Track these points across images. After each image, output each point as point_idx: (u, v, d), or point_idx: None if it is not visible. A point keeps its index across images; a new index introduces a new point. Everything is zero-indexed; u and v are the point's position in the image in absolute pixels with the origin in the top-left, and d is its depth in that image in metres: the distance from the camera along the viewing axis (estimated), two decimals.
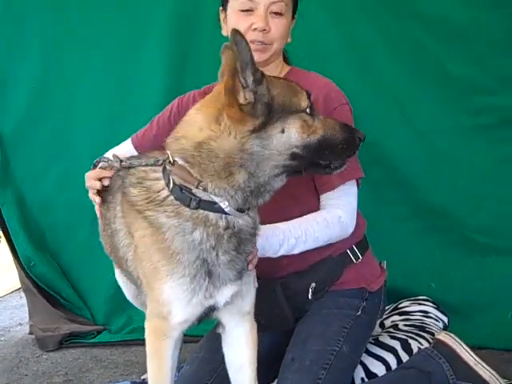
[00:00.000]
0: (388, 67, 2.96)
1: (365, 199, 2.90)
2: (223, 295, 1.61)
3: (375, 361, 2.12)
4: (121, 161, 1.69)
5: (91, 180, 1.82)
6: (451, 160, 2.97)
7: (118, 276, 2.14)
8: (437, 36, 2.90)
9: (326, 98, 1.93)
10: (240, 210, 1.52)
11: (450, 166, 2.97)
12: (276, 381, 1.95)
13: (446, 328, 2.42)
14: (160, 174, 1.57)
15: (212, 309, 1.65)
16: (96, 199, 1.81)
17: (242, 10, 1.92)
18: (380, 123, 2.98)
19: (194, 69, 2.96)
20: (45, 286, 3.17)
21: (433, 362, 2.00)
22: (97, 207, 1.85)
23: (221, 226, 1.51)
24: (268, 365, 2.04)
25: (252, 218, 1.58)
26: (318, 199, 1.98)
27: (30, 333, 3.12)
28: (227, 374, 1.78)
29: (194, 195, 1.49)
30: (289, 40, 2.03)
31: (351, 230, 1.95)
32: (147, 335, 1.66)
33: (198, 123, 1.49)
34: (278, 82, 1.52)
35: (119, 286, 2.20)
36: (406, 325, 2.38)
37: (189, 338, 2.24)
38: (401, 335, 2.25)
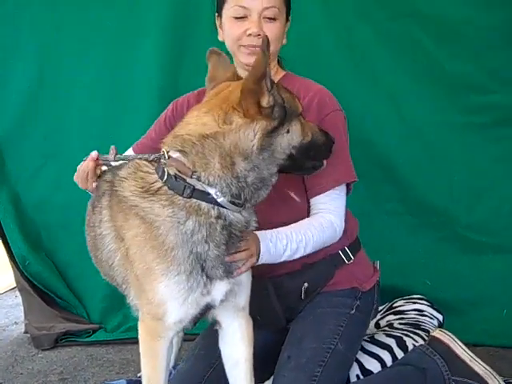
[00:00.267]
0: (384, 65, 2.97)
1: (360, 196, 2.92)
2: (219, 291, 1.62)
3: (370, 358, 2.12)
4: (116, 153, 1.74)
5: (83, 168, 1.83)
6: (446, 158, 2.98)
7: None
8: (432, 34, 2.90)
9: (320, 103, 1.95)
10: (234, 204, 1.56)
11: (444, 164, 2.98)
12: (272, 379, 1.95)
13: (440, 326, 2.43)
14: (152, 169, 1.62)
15: (208, 307, 1.66)
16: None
17: (236, 17, 1.95)
18: (376, 121, 3.00)
19: (188, 70, 2.96)
20: (40, 284, 3.17)
21: (428, 358, 2.01)
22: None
23: (213, 215, 1.55)
24: (263, 363, 2.03)
25: (245, 217, 1.61)
26: (307, 202, 1.98)
27: (26, 331, 3.12)
28: (223, 369, 1.80)
29: (188, 184, 1.54)
30: (284, 42, 2.05)
31: (341, 234, 1.96)
32: (141, 336, 1.66)
33: (206, 123, 1.55)
34: (281, 87, 1.62)
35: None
36: (401, 323, 2.39)
37: (186, 336, 2.26)
38: (396, 333, 2.26)
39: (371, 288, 2.08)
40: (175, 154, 1.57)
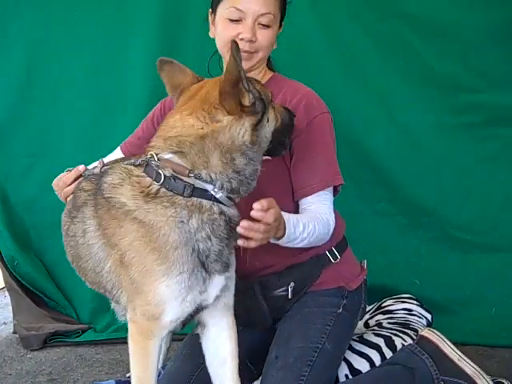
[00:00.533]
0: (373, 66, 2.98)
1: (350, 197, 2.96)
2: (214, 288, 1.65)
3: (359, 357, 2.12)
4: (103, 166, 1.76)
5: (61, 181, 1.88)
6: (435, 157, 2.99)
7: None
8: (422, 35, 2.92)
9: (307, 106, 1.94)
10: (229, 199, 1.62)
11: (434, 164, 3.00)
12: (260, 379, 1.95)
13: (429, 325, 2.44)
14: (142, 173, 1.62)
15: (200, 307, 1.68)
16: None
17: (231, 20, 1.93)
18: (365, 121, 3.01)
19: None
20: (29, 285, 3.15)
21: (416, 358, 2.01)
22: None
23: (216, 211, 1.59)
24: (251, 363, 2.05)
25: (237, 212, 1.65)
26: (294, 203, 1.98)
27: (14, 332, 3.10)
28: None
29: (187, 183, 1.57)
30: (274, 46, 2.04)
31: (331, 234, 1.97)
32: (132, 336, 1.65)
33: (194, 124, 1.59)
34: (252, 79, 1.67)
35: None
36: (389, 323, 2.40)
37: (175, 336, 2.25)
38: (385, 332, 2.26)
39: (358, 287, 2.08)
40: (167, 155, 1.59)
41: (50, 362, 2.78)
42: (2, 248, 3.18)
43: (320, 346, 1.90)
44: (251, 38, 1.91)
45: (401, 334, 2.25)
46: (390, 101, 3.00)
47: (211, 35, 2.06)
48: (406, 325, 2.36)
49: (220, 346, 1.77)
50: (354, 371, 2.08)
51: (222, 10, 1.95)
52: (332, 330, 1.95)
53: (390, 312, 2.50)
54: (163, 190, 1.58)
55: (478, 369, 2.02)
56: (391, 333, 2.26)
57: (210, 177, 1.58)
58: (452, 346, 2.05)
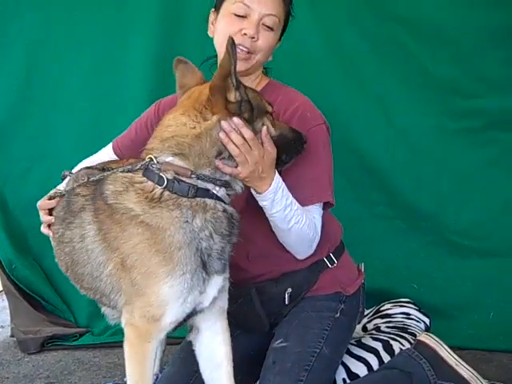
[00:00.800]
0: (372, 70, 2.99)
1: (348, 201, 2.97)
2: (212, 289, 1.67)
3: (357, 362, 2.12)
4: (88, 178, 1.76)
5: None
6: (434, 162, 3.00)
7: None
8: (420, 39, 2.93)
9: (301, 117, 1.92)
10: (228, 196, 1.67)
11: (432, 168, 3.01)
12: None
13: (427, 329, 2.44)
14: (143, 178, 1.64)
15: (195, 311, 1.68)
16: (45, 230, 1.87)
17: (236, 15, 1.91)
18: (363, 125, 3.02)
19: None
20: (27, 288, 3.15)
21: (414, 362, 2.01)
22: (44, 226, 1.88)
23: (220, 208, 1.64)
24: (248, 368, 2.04)
25: (234, 209, 1.69)
26: None
27: (12, 335, 3.10)
28: None
29: (191, 184, 1.60)
30: (270, 58, 2.02)
31: (315, 246, 1.93)
32: (129, 339, 1.65)
33: (186, 123, 1.63)
34: (247, 87, 1.70)
35: None
36: (387, 327, 2.40)
37: (173, 340, 2.25)
38: (382, 337, 2.26)
39: (356, 291, 2.07)
40: (168, 158, 1.62)
41: (47, 366, 2.77)
42: (0, 251, 3.17)
43: (317, 351, 1.90)
44: (254, 34, 1.90)
45: (399, 339, 2.25)
46: (389, 105, 3.01)
47: (210, 34, 2.04)
48: (404, 329, 2.35)
49: (215, 349, 1.78)
50: (351, 375, 2.08)
51: (227, 5, 1.94)
52: (330, 334, 1.95)
53: (389, 316, 2.50)
54: (167, 193, 1.61)
55: (475, 373, 2.02)
56: (389, 337, 2.26)
57: (211, 176, 1.62)
58: (449, 350, 2.05)
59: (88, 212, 1.70)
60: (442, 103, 2.95)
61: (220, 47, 1.96)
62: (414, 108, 2.99)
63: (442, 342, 2.06)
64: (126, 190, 1.64)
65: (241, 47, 1.89)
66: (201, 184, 1.62)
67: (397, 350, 2.16)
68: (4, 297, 3.38)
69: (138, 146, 1.78)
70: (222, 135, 1.60)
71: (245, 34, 1.90)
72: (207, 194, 1.62)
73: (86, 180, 1.76)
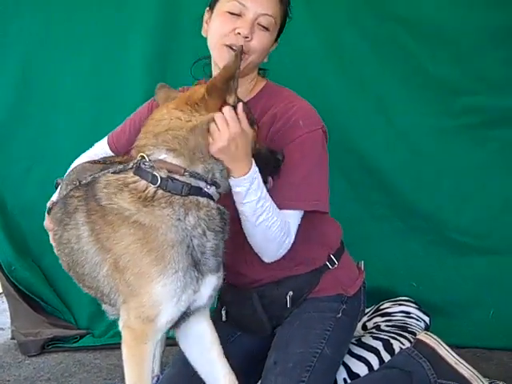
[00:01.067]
0: (371, 70, 3.00)
1: (348, 201, 2.97)
2: (207, 288, 1.67)
3: (357, 361, 2.12)
4: (79, 182, 1.76)
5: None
6: (434, 161, 3.01)
7: None
8: (419, 38, 2.94)
9: (293, 125, 1.87)
10: (219, 194, 1.69)
11: (432, 168, 3.01)
12: None
13: (427, 327, 2.44)
14: (136, 177, 1.64)
15: (189, 310, 1.69)
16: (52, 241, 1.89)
17: (231, 13, 1.85)
18: (363, 125, 3.02)
19: (175, 70, 2.96)
20: (27, 290, 3.15)
21: (413, 361, 2.01)
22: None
23: (213, 206, 1.64)
24: (249, 368, 2.04)
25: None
26: None
27: (12, 338, 3.10)
28: None
29: (184, 182, 1.61)
30: (265, 60, 1.98)
31: (281, 254, 1.86)
32: (126, 341, 1.65)
33: (180, 117, 1.63)
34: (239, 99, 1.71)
35: None
36: (387, 325, 2.39)
37: (173, 341, 2.24)
38: (383, 336, 2.26)
39: (357, 292, 2.07)
40: (161, 156, 1.62)
41: (48, 368, 2.78)
42: (0, 253, 3.17)
43: (319, 351, 1.90)
44: (248, 34, 1.84)
45: (399, 338, 2.25)
46: (389, 105, 3.01)
47: (204, 33, 1.99)
48: (404, 328, 2.35)
49: (203, 334, 1.80)
50: (352, 375, 2.08)
51: (222, 3, 1.89)
52: (331, 334, 1.95)
53: (388, 314, 2.50)
54: (160, 191, 1.61)
55: (475, 371, 2.02)
56: (389, 336, 2.26)
57: (207, 169, 1.63)
58: (448, 349, 2.05)
59: (81, 213, 1.70)
60: (441, 103, 2.96)
61: (213, 47, 1.91)
62: (414, 108, 2.99)
63: (441, 341, 2.06)
64: (121, 190, 1.64)
65: (234, 47, 1.84)
66: (194, 182, 1.62)
67: (397, 349, 2.16)
68: (4, 299, 3.39)
69: (132, 143, 1.78)
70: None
71: (238, 33, 1.84)
72: (200, 192, 1.63)
73: (77, 183, 1.76)
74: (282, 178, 1.84)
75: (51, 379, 2.66)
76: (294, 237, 1.85)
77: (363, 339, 2.24)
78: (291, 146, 1.83)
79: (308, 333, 1.94)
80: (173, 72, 2.99)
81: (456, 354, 2.05)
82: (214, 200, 1.66)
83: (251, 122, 1.71)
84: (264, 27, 1.88)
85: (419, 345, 2.06)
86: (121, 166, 1.68)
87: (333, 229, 2.09)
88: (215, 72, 1.93)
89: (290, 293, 1.98)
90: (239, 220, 1.77)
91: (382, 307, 2.58)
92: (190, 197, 1.62)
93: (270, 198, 1.76)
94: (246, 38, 1.85)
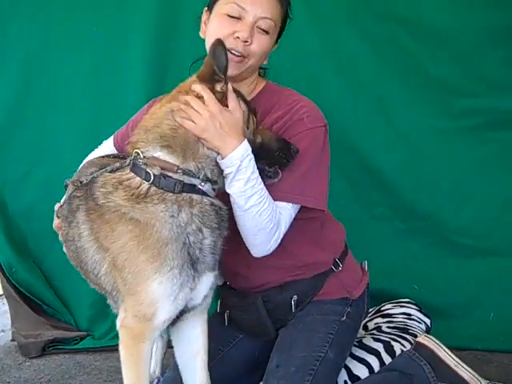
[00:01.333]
0: (370, 70, 2.99)
1: (348, 202, 2.97)
2: (204, 286, 1.69)
3: (358, 364, 2.12)
4: (80, 182, 1.79)
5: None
6: (433, 162, 3.00)
7: None
8: (419, 39, 2.93)
9: (298, 120, 1.86)
10: (213, 190, 1.69)
11: (432, 168, 3.00)
12: None
13: (428, 330, 2.44)
14: (131, 174, 1.66)
15: (186, 308, 1.70)
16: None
17: (230, 16, 1.82)
18: (363, 125, 3.01)
19: (176, 71, 2.96)
20: (27, 292, 3.14)
21: (414, 364, 2.01)
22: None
23: (207, 202, 1.65)
24: (251, 369, 2.04)
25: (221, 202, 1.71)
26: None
27: (13, 339, 3.09)
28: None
29: (177, 180, 1.62)
30: (265, 62, 1.96)
31: (270, 248, 1.81)
32: (124, 341, 1.65)
33: (167, 113, 1.66)
34: (237, 91, 1.75)
35: None
36: (389, 327, 2.39)
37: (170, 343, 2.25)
38: (384, 337, 2.26)
39: (361, 294, 2.06)
40: (156, 153, 1.64)
41: (48, 370, 2.77)
42: (0, 255, 3.16)
43: (322, 355, 1.89)
44: (247, 38, 1.81)
45: (400, 340, 2.24)
46: (388, 105, 3.00)
47: (201, 35, 1.96)
48: (405, 329, 2.35)
49: (194, 339, 1.81)
50: (352, 377, 2.08)
51: (220, 5, 1.85)
52: (335, 338, 1.94)
53: (390, 316, 2.49)
54: (153, 188, 1.62)
55: (475, 374, 2.02)
56: (390, 338, 2.25)
57: (198, 167, 1.63)
58: (448, 351, 2.05)
59: (81, 212, 1.72)
60: (441, 103, 2.95)
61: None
62: (414, 108, 2.98)
63: (440, 344, 2.06)
64: (116, 188, 1.66)
65: (233, 51, 1.82)
66: (187, 180, 1.63)
67: (398, 351, 2.17)
68: (4, 300, 3.38)
69: None
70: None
71: (237, 37, 1.81)
72: (193, 189, 1.64)
73: (78, 183, 1.78)
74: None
75: (51, 381, 2.66)
76: (284, 231, 1.80)
77: (364, 341, 2.24)
78: (292, 141, 1.81)
79: (311, 336, 1.93)
80: (173, 72, 2.98)
81: (456, 356, 2.05)
82: (208, 196, 1.65)
83: (251, 111, 1.72)
84: (264, 30, 1.85)
85: (419, 347, 2.07)
86: (118, 164, 1.70)
87: (337, 232, 2.09)
88: None
89: (295, 297, 1.97)
90: None
91: (383, 308, 2.58)
92: (183, 194, 1.62)
93: (262, 184, 1.72)
94: (246, 42, 1.82)
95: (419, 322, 2.46)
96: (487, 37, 2.86)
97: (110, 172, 1.70)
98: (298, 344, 1.92)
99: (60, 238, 1.91)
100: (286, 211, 1.81)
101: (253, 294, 1.98)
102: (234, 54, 1.82)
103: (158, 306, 1.60)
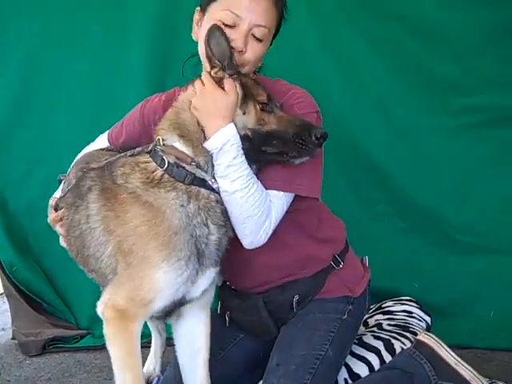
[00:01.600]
0: (370, 68, 2.99)
1: (348, 199, 2.97)
2: (204, 281, 1.70)
3: (358, 362, 2.12)
4: (91, 167, 1.81)
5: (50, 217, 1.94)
6: (434, 159, 3.00)
7: None
8: (418, 37, 2.93)
9: (289, 107, 1.84)
10: None
11: (432, 166, 3.00)
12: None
13: (429, 328, 2.44)
14: (149, 158, 1.70)
15: (184, 300, 1.71)
16: (61, 231, 1.91)
17: (224, 23, 1.79)
18: (362, 123, 3.02)
19: (176, 71, 2.94)
20: (28, 290, 3.14)
21: (415, 362, 2.01)
22: (62, 239, 1.93)
23: (213, 199, 1.68)
24: (252, 367, 2.04)
25: None
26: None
27: (13, 338, 3.09)
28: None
29: (189, 171, 1.66)
30: (259, 64, 1.95)
31: (262, 238, 1.77)
32: (113, 320, 1.62)
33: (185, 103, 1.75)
34: (245, 75, 1.80)
35: None
36: (389, 324, 2.38)
37: (171, 341, 2.24)
38: (384, 335, 2.26)
39: (363, 291, 2.06)
40: (174, 143, 1.68)
41: (48, 368, 2.77)
42: (1, 253, 3.16)
43: (323, 354, 1.89)
44: (242, 48, 1.81)
45: (400, 338, 2.24)
46: (388, 103, 3.00)
47: (194, 37, 1.95)
48: (405, 327, 2.35)
49: (196, 337, 1.83)
50: (353, 375, 2.08)
51: (215, 10, 1.83)
52: (335, 336, 1.94)
53: (390, 313, 2.49)
54: (166, 176, 1.66)
55: (476, 373, 2.01)
56: (390, 336, 2.25)
57: (207, 165, 1.66)
58: (449, 350, 2.05)
59: (95, 192, 1.74)
60: (441, 101, 2.95)
61: (204, 54, 1.80)
62: (414, 106, 2.98)
63: (441, 342, 2.06)
64: (133, 170, 1.70)
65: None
66: (199, 173, 1.67)
67: (398, 349, 2.16)
68: (5, 299, 3.38)
69: (126, 143, 1.91)
70: None
71: (232, 47, 1.77)
72: (203, 184, 1.67)
73: (88, 168, 1.81)
74: None
75: (52, 379, 2.66)
76: (276, 221, 1.77)
77: (364, 338, 2.23)
78: None
79: (312, 334, 1.93)
80: (173, 72, 2.98)
81: (457, 354, 2.05)
82: (217, 193, 1.68)
83: (252, 94, 1.71)
84: (258, 39, 1.84)
85: (419, 345, 2.06)
86: (139, 149, 1.74)
87: (336, 228, 2.08)
88: None
89: (296, 297, 1.97)
90: None
91: (384, 305, 2.58)
92: (192, 186, 1.66)
93: (249, 170, 1.69)
94: (240, 51, 1.81)
95: (420, 320, 2.46)
96: (487, 34, 2.86)
97: (131, 156, 1.74)
98: (299, 342, 1.92)
99: (58, 231, 1.91)
100: (278, 200, 1.78)
101: (254, 296, 1.98)
102: None
103: (158, 294, 1.62)
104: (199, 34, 1.90)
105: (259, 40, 1.84)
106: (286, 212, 1.82)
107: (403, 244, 3.01)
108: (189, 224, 1.64)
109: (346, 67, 2.98)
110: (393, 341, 2.21)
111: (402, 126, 3.01)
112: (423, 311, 2.51)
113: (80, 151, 2.61)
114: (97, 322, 3.04)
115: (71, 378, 2.66)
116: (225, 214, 1.70)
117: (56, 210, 1.92)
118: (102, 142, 2.19)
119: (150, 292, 1.61)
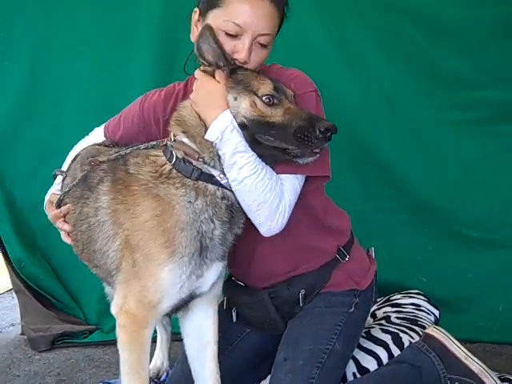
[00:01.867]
0: (377, 63, 2.98)
1: (355, 194, 2.97)
2: (212, 275, 1.71)
3: (367, 355, 2.12)
4: (102, 161, 1.81)
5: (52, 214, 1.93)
6: (441, 154, 2.99)
7: None
8: (425, 31, 2.92)
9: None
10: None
11: (439, 160, 3.00)
12: (268, 378, 1.95)
13: (437, 321, 2.44)
14: (160, 152, 1.72)
15: (194, 294, 1.72)
16: (65, 227, 1.89)
17: (227, 34, 1.76)
18: (369, 118, 3.01)
19: (180, 70, 2.93)
20: (36, 286, 3.16)
21: (423, 356, 2.00)
22: (64, 235, 1.91)
23: (218, 195, 1.67)
24: (259, 362, 2.04)
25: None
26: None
27: (22, 333, 3.12)
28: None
29: (195, 167, 1.66)
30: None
31: (279, 223, 1.74)
32: (126, 326, 1.64)
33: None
34: (246, 69, 1.76)
35: None
36: (397, 317, 2.38)
37: (177, 336, 2.25)
38: (392, 329, 2.25)
39: (370, 283, 2.04)
40: (184, 138, 1.70)
41: (58, 363, 2.79)
42: (9, 250, 3.18)
43: (330, 347, 1.89)
44: (246, 59, 1.77)
45: (408, 331, 2.24)
46: (395, 98, 3.00)
47: (192, 38, 1.91)
48: (414, 321, 2.34)
49: (204, 330, 1.83)
50: (361, 369, 2.08)
51: (216, 18, 1.78)
52: (343, 329, 1.93)
53: (399, 305, 2.49)
54: (174, 171, 1.67)
55: (485, 366, 2.00)
56: (399, 329, 2.25)
57: (213, 161, 1.66)
58: (458, 343, 2.04)
59: (106, 183, 1.75)
60: (449, 96, 2.94)
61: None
62: (422, 101, 2.97)
63: (450, 336, 2.05)
64: (144, 162, 1.72)
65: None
66: (206, 169, 1.67)
67: (406, 343, 2.16)
68: (14, 295, 3.41)
69: (126, 141, 1.91)
70: None
71: (236, 58, 1.76)
72: (211, 179, 1.67)
73: (97, 162, 1.80)
74: None
75: (61, 374, 2.68)
76: (291, 203, 1.73)
77: (372, 332, 2.23)
78: None
79: (319, 329, 1.93)
80: (178, 71, 2.95)
81: (466, 348, 2.04)
82: (228, 189, 1.67)
83: (251, 86, 1.68)
84: (262, 45, 1.80)
85: (428, 339, 2.05)
86: (154, 143, 1.76)
87: (342, 219, 2.06)
88: None
89: (302, 291, 1.96)
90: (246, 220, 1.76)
91: (392, 298, 2.58)
92: (200, 182, 1.66)
93: (255, 155, 1.66)
94: (245, 63, 1.78)
95: (428, 314, 2.46)
96: (495, 30, 2.85)
97: (144, 149, 1.76)
98: (306, 337, 1.91)
99: (59, 227, 1.91)
100: (290, 182, 1.74)
101: (260, 291, 1.98)
102: None
103: (164, 294, 1.62)
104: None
105: (264, 46, 1.80)
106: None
107: (411, 239, 3.00)
108: (196, 220, 1.64)
109: (354, 63, 2.98)
110: (401, 334, 2.21)
111: (410, 121, 3.00)
112: (432, 304, 2.51)
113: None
114: (105, 317, 3.07)
115: (80, 373, 2.68)
116: (229, 210, 1.70)
117: (59, 206, 1.91)
118: (97, 135, 2.15)
119: (157, 293, 1.62)
